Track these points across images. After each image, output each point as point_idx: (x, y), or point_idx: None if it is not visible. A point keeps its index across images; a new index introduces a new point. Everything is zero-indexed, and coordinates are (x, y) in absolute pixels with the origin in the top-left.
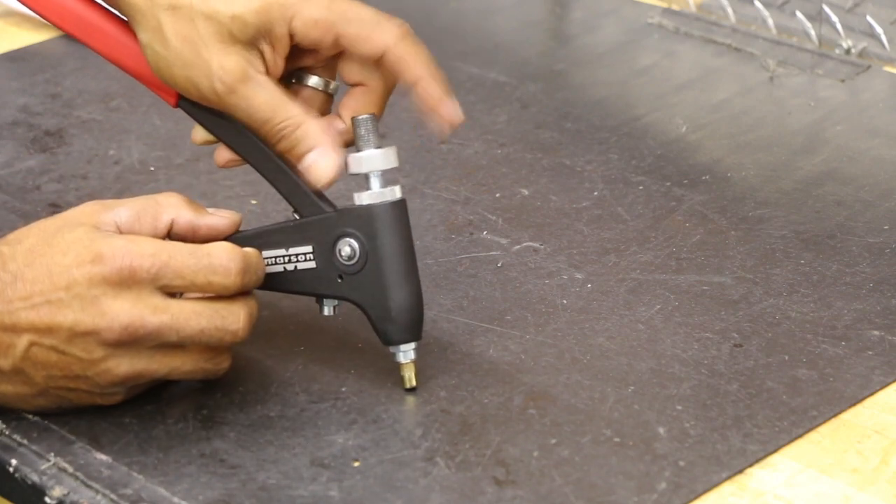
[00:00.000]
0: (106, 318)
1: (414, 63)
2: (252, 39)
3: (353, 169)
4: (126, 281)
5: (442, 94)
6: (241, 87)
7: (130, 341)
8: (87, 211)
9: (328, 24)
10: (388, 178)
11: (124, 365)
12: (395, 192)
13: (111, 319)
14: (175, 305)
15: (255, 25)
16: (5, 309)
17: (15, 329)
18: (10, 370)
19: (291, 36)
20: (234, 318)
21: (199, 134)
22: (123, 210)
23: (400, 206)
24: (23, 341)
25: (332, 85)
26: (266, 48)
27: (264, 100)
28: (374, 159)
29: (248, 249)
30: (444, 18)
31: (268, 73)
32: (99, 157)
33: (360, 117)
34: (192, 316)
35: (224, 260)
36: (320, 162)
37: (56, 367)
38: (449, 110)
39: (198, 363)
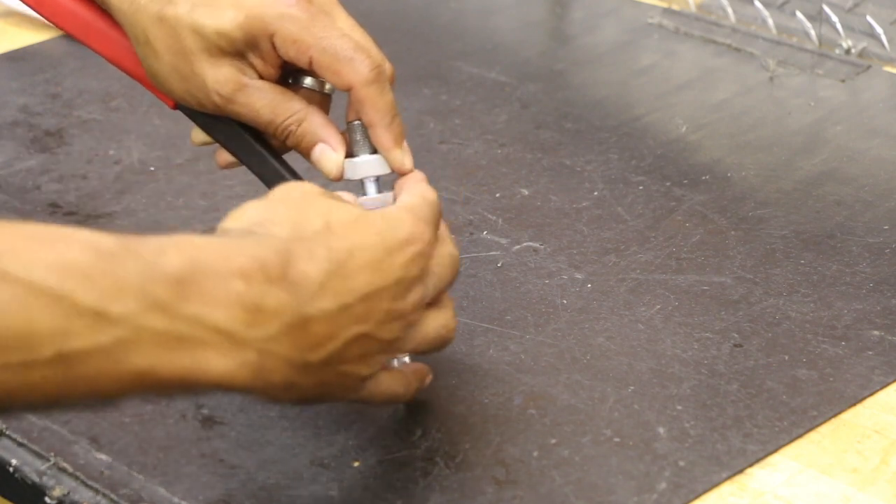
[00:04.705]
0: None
1: (373, 109)
2: (240, 52)
3: (349, 174)
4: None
5: (391, 145)
6: (238, 96)
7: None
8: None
9: (305, 45)
10: (383, 183)
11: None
12: (390, 199)
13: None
14: None
15: (240, 40)
16: (333, 301)
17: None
18: (319, 363)
19: (275, 49)
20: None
21: (198, 135)
22: None
23: None
24: (346, 334)
25: (328, 86)
26: (255, 59)
27: (264, 103)
28: (369, 165)
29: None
30: (444, 18)
31: (261, 77)
32: (99, 157)
33: (355, 122)
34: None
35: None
36: (325, 157)
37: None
38: (395, 161)
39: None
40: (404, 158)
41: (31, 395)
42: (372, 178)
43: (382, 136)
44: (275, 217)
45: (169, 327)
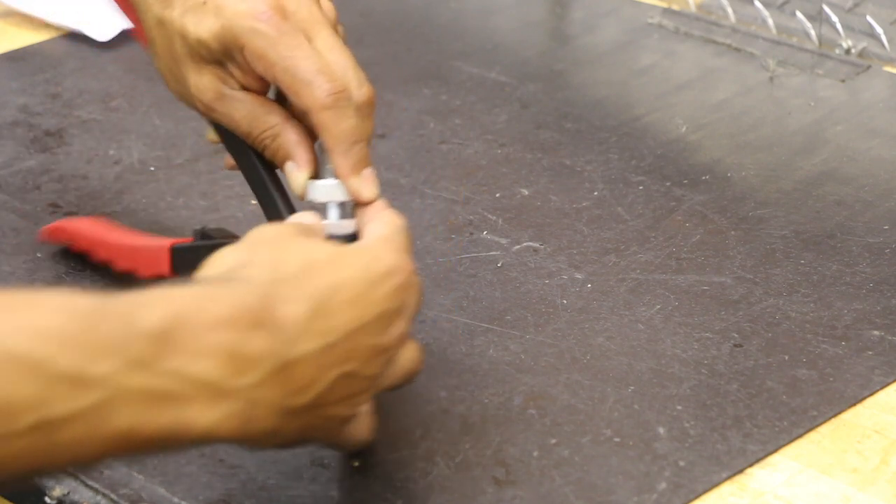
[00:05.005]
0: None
1: (328, 135)
2: (218, 61)
3: (311, 196)
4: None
5: (347, 172)
6: (218, 105)
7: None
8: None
9: (269, 63)
10: (347, 209)
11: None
12: (349, 227)
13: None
14: None
15: (218, 50)
16: (314, 344)
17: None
18: (303, 407)
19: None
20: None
21: (212, 133)
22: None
23: (350, 241)
24: (331, 374)
25: None
26: (234, 69)
27: (242, 114)
28: (329, 189)
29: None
30: (444, 18)
31: (244, 87)
32: (99, 157)
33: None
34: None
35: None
36: (291, 175)
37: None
38: (351, 189)
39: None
40: (362, 187)
41: (11, 467)
42: (334, 204)
43: (338, 162)
44: (254, 259)
45: (150, 384)
